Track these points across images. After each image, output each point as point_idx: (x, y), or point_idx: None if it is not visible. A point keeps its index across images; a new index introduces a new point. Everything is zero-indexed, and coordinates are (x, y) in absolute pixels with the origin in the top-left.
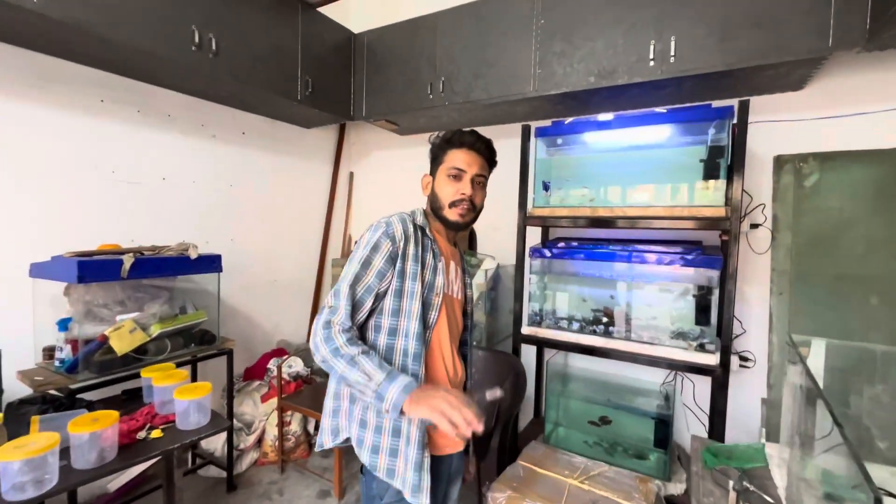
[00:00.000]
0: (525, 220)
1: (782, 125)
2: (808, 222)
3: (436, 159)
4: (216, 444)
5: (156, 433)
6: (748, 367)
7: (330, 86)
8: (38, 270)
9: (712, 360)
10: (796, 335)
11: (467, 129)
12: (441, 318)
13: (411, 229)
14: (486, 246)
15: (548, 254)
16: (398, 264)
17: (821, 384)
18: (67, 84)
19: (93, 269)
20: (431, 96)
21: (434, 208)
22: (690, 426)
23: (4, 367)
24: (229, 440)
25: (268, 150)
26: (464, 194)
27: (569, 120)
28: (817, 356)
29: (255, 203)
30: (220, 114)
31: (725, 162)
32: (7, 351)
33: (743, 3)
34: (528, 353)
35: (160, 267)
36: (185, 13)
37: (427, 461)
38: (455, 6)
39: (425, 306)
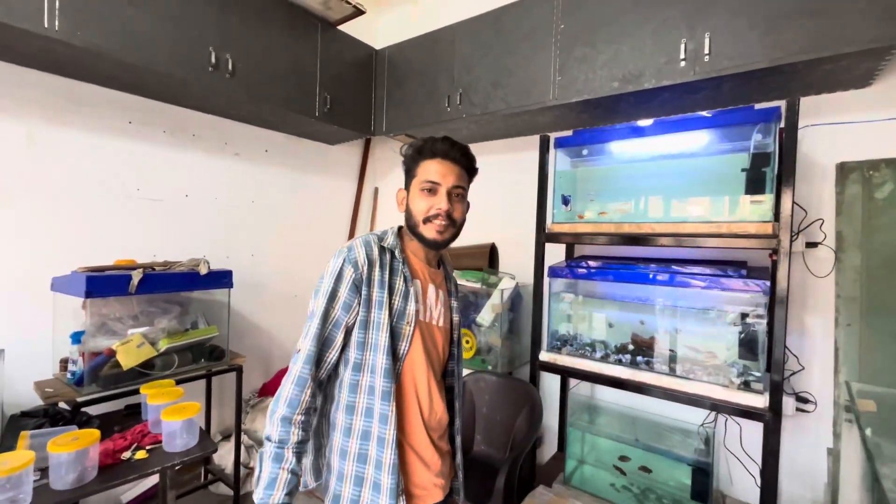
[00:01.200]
0: (542, 236)
1: (846, 128)
2: (883, 240)
3: (409, 172)
4: (227, 460)
5: (141, 454)
6: (808, 412)
7: (349, 102)
8: (58, 284)
9: (759, 401)
10: (867, 378)
11: (440, 136)
12: (414, 349)
13: (376, 252)
14: (508, 265)
15: (571, 273)
16: (363, 291)
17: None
18: (97, 107)
19: (100, 284)
20: (449, 109)
21: (409, 225)
22: (737, 477)
23: (25, 377)
24: (236, 461)
25: (291, 167)
26: (440, 209)
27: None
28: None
29: (277, 219)
30: (242, 132)
31: (772, 171)
32: (28, 361)
33: None
34: (552, 380)
35: (169, 282)
36: (203, 35)
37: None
38: (472, 17)
39: (394, 337)
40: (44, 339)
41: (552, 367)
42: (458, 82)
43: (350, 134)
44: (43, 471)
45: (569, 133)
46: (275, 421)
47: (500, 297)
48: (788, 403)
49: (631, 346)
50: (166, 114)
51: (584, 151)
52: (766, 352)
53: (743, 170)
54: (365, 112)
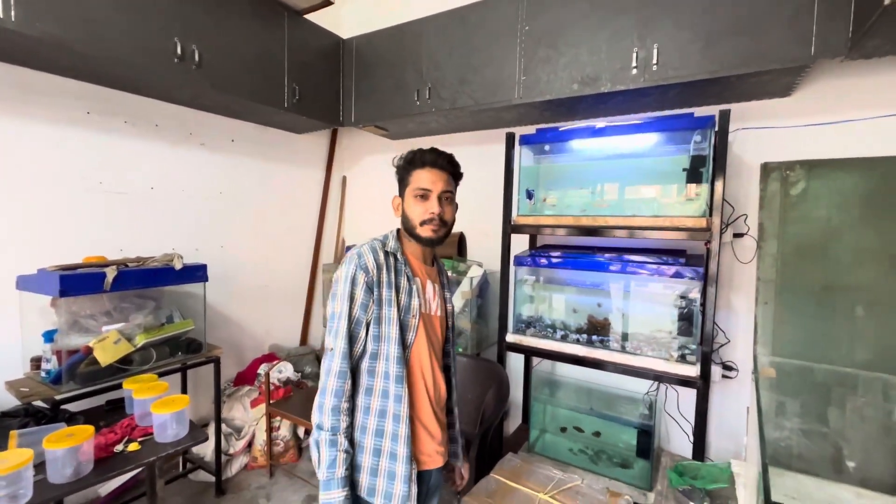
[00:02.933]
0: (509, 227)
1: (770, 132)
2: (795, 231)
3: (402, 181)
4: (206, 449)
5: (133, 446)
6: (731, 378)
7: (318, 92)
8: (25, 283)
9: (692, 370)
10: (779, 349)
11: (427, 148)
12: (419, 337)
13: (382, 257)
14: (476, 252)
15: (533, 262)
16: (375, 292)
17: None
18: (52, 97)
19: (75, 282)
20: (418, 103)
21: (407, 228)
22: (675, 436)
23: None
24: (217, 445)
25: (258, 157)
26: (433, 213)
27: (556, 126)
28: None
29: (246, 209)
30: (207, 122)
31: (707, 171)
32: None
33: (726, 11)
34: (517, 359)
35: (144, 279)
36: (168, 25)
37: (415, 473)
38: (440, 12)
39: (403, 329)
40: (9, 339)
41: (517, 348)
42: (427, 76)
43: (318, 124)
44: (38, 467)
45: (532, 130)
46: (325, 411)
47: (469, 284)
48: (716, 372)
49: (587, 327)
50: (127, 103)
51: (547, 148)
52: (699, 328)
53: (684, 169)
54: (333, 102)
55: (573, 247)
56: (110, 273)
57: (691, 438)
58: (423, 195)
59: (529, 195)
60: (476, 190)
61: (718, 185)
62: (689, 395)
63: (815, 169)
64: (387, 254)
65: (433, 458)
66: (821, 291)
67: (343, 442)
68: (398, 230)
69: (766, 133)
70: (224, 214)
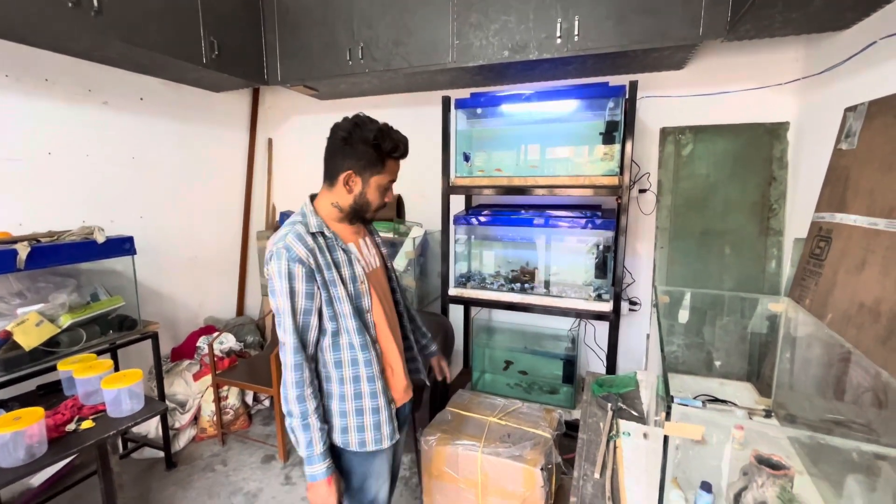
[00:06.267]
0: (448, 188)
1: (668, 101)
2: (684, 186)
3: (370, 165)
4: (149, 426)
5: (87, 423)
6: (636, 311)
7: (239, 48)
8: None
9: (606, 307)
10: (671, 284)
11: (394, 130)
12: (374, 298)
13: (311, 241)
14: (414, 213)
15: (471, 221)
16: (317, 278)
17: (684, 321)
18: None
19: None
20: (351, 63)
21: (354, 209)
22: (592, 362)
23: None
24: (163, 420)
25: (172, 118)
26: (389, 200)
27: (490, 90)
28: (685, 300)
29: (164, 176)
30: (108, 77)
31: (619, 135)
32: None
33: None
34: (457, 312)
35: (63, 255)
36: None
37: (394, 411)
38: None
39: (357, 298)
40: None
41: (459, 300)
42: (359, 36)
43: (240, 82)
44: None
45: (465, 93)
46: (290, 401)
47: (412, 244)
48: (624, 307)
49: (522, 277)
50: (7, 53)
51: (479, 111)
52: (611, 272)
53: (600, 133)
54: (256, 59)
55: (504, 206)
56: (22, 250)
57: (605, 363)
58: (389, 186)
59: (466, 158)
60: (411, 152)
61: (628, 147)
62: (603, 328)
63: (700, 133)
64: (313, 235)
65: (403, 394)
66: (700, 236)
67: (315, 422)
68: (313, 204)
69: (664, 101)
70: (139, 182)
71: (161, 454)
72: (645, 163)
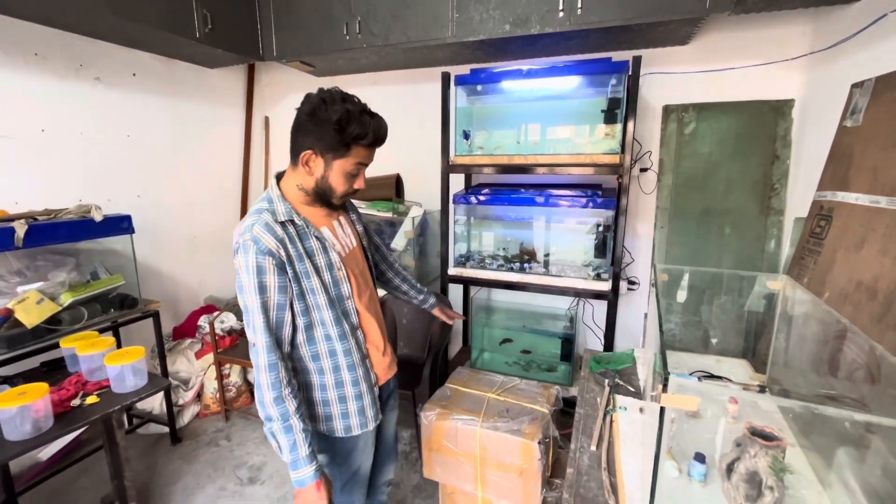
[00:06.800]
0: (447, 167)
1: (671, 77)
2: (686, 165)
3: (333, 148)
4: (153, 403)
5: (91, 399)
6: (635, 290)
7: (234, 21)
8: None
9: (605, 286)
10: (669, 264)
11: (371, 114)
12: (353, 283)
13: (279, 230)
14: (413, 193)
15: (471, 200)
16: (289, 270)
17: (682, 300)
18: None
19: None
20: (348, 37)
21: (318, 192)
22: (590, 341)
23: None
24: (167, 397)
25: (166, 94)
26: (359, 187)
27: (490, 66)
28: (683, 280)
29: (160, 154)
30: (100, 52)
31: (622, 112)
32: None
33: None
34: (456, 291)
35: (61, 233)
36: None
37: (377, 391)
38: None
39: (336, 287)
40: None
41: (458, 279)
42: (356, 9)
43: (234, 58)
44: None
45: (465, 69)
46: (268, 404)
47: (411, 223)
48: (623, 286)
49: (519, 256)
50: None
51: (479, 89)
52: (611, 251)
53: (602, 111)
54: (251, 34)
55: (504, 185)
56: (20, 228)
57: (602, 341)
58: (358, 172)
59: (466, 136)
60: (410, 129)
61: (630, 124)
62: (601, 307)
63: (703, 111)
64: (283, 224)
65: (387, 371)
66: (700, 215)
67: (297, 423)
68: (279, 187)
69: (667, 78)
70: (135, 160)
71: (166, 430)
72: (647, 141)
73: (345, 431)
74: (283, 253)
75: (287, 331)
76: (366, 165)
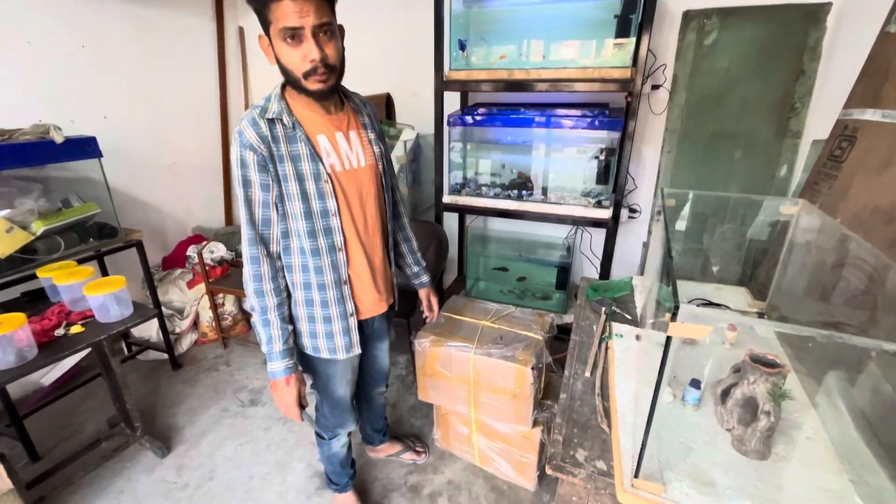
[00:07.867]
0: (442, 84)
1: None
2: (701, 82)
3: (259, 14)
4: (150, 331)
5: (76, 328)
6: (636, 218)
7: None
8: None
9: (605, 214)
10: (675, 188)
11: None
12: (341, 201)
13: (265, 127)
14: (405, 115)
15: (468, 121)
16: (270, 168)
17: (682, 228)
18: None
19: None
20: None
21: (290, 81)
22: (586, 270)
23: None
24: (162, 325)
25: (123, 1)
26: (314, 60)
27: None
28: (685, 209)
29: (124, 69)
30: None
31: (637, 18)
32: None
33: None
34: (451, 220)
35: (19, 155)
36: None
37: (354, 323)
38: None
39: (320, 199)
40: None
41: (454, 207)
42: None
43: None
44: None
45: None
46: (249, 295)
47: (403, 148)
48: (623, 214)
49: (517, 183)
50: None
51: None
52: (614, 177)
53: (615, 16)
54: None
55: (504, 104)
56: None
57: (599, 270)
58: (294, 35)
59: (462, 46)
60: (400, 42)
61: (645, 33)
62: (599, 236)
63: (727, 18)
64: (271, 122)
65: (373, 307)
66: (710, 139)
67: (275, 320)
68: (283, 85)
69: None
70: (95, 76)
71: (165, 356)
72: (662, 53)
73: (314, 351)
74: (265, 149)
75: (275, 230)
76: (300, 28)
